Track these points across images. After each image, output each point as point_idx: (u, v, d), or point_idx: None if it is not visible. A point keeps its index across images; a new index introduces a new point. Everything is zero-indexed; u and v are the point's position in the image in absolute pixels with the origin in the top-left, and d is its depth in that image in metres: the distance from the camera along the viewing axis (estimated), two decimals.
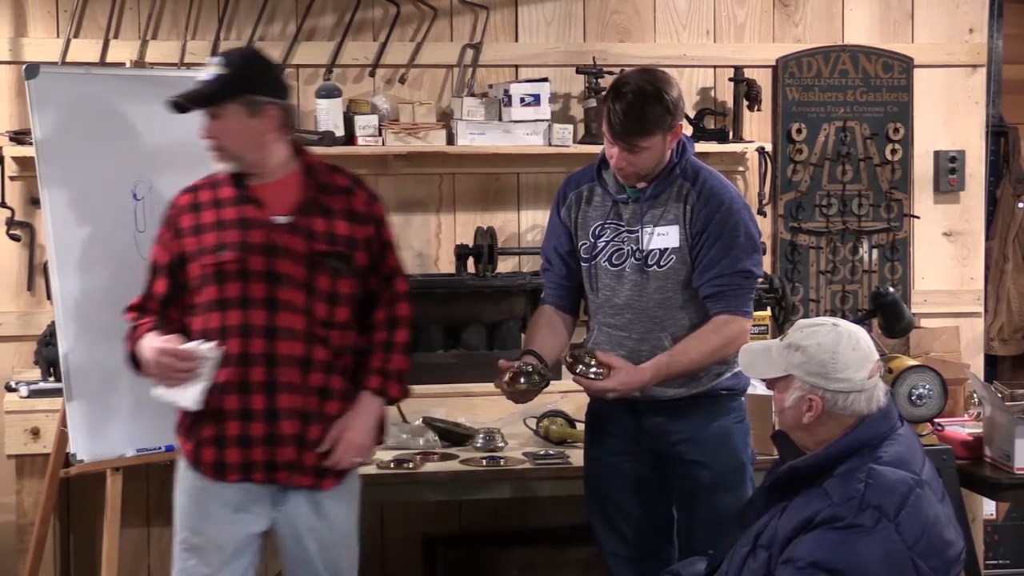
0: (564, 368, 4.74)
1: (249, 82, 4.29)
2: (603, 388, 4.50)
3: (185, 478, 4.33)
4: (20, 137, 6.00)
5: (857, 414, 3.71)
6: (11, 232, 6.18)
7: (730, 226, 4.53)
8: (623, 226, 4.63)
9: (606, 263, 4.66)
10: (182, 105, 4.39)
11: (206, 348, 4.12)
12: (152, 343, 4.18)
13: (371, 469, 5.15)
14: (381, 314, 4.38)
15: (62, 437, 4.81)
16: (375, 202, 4.42)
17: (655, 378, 4.50)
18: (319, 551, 4.34)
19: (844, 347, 3.73)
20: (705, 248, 4.53)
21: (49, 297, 4.96)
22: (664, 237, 4.56)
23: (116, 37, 6.20)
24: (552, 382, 5.41)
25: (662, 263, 4.56)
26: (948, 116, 6.82)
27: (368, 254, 4.36)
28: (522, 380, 4.57)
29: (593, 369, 4.52)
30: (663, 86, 4.54)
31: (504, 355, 5.64)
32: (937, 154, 6.79)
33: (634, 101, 4.48)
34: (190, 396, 4.13)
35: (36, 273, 6.18)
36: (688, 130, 6.27)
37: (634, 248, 4.60)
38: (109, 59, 6.16)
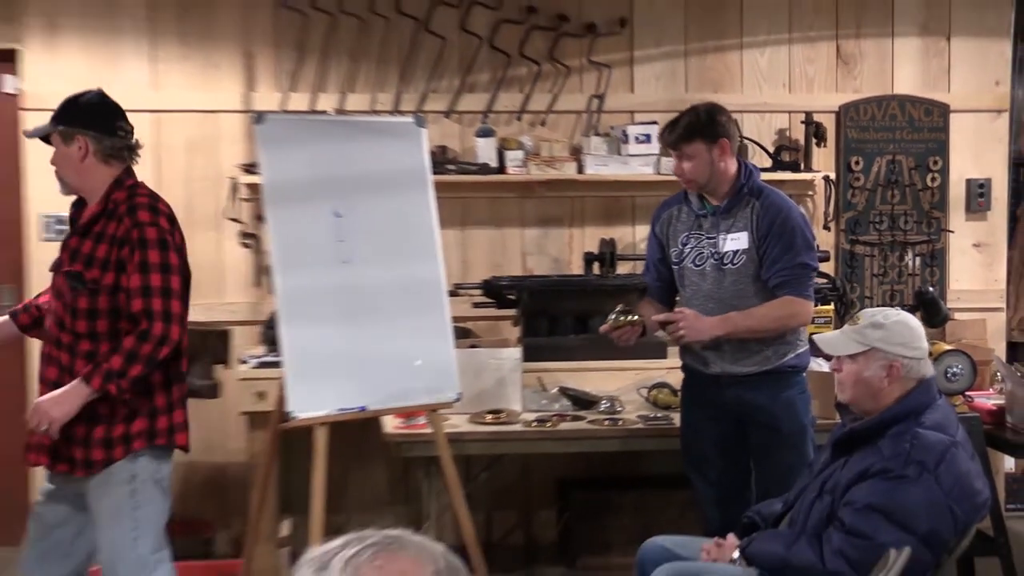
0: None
1: (61, 116, 4.19)
2: (677, 319, 4.59)
3: None
4: (250, 168, 6.08)
5: (920, 377, 3.79)
6: (243, 241, 6.34)
7: (788, 229, 4.58)
8: (704, 235, 4.71)
9: (691, 264, 4.73)
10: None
11: None
12: None
13: (517, 427, 5.22)
14: (125, 323, 4.06)
15: (281, 399, 4.74)
16: (137, 228, 4.03)
17: (724, 324, 4.58)
18: None
19: (914, 324, 3.83)
20: (770, 248, 4.58)
21: (271, 291, 4.82)
22: (736, 241, 4.63)
23: (323, 91, 6.30)
24: (657, 360, 5.64)
25: (735, 261, 4.63)
26: (977, 151, 6.78)
27: (126, 275, 4.03)
28: (620, 317, 4.67)
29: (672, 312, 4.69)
30: (713, 111, 4.68)
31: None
32: (968, 181, 6.77)
33: (684, 117, 4.64)
34: None
35: (262, 272, 6.28)
36: (768, 162, 6.40)
37: (712, 251, 4.68)
38: (317, 108, 6.26)
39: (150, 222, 4.08)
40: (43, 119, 6.19)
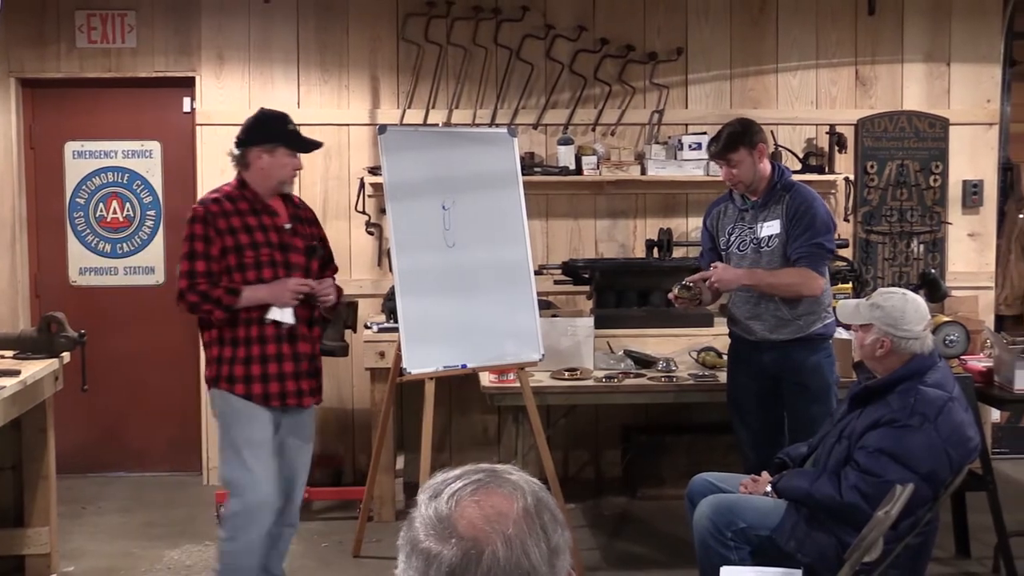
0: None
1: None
2: (707, 274, 4.56)
3: None
4: (374, 170, 6.12)
5: (911, 353, 3.73)
6: (368, 229, 6.34)
7: (810, 215, 4.50)
8: (746, 225, 4.66)
9: (736, 250, 4.68)
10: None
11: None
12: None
13: (590, 382, 5.18)
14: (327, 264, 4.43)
15: (398, 358, 4.81)
16: (312, 212, 4.44)
17: (750, 275, 4.54)
18: None
19: (910, 310, 3.74)
20: (793, 230, 4.52)
21: (391, 270, 4.92)
22: (770, 227, 4.58)
23: (434, 107, 6.30)
24: (705, 328, 5.56)
25: (770, 244, 4.58)
26: (972, 157, 6.66)
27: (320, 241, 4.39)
28: (683, 291, 4.60)
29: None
30: (747, 122, 4.66)
31: (676, 310, 5.70)
32: (965, 182, 6.65)
33: (724, 131, 4.60)
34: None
35: (383, 255, 6.28)
36: (798, 165, 6.32)
37: (752, 237, 4.63)
38: (429, 121, 6.26)
39: (311, 209, 4.49)
40: (214, 133, 6.32)
